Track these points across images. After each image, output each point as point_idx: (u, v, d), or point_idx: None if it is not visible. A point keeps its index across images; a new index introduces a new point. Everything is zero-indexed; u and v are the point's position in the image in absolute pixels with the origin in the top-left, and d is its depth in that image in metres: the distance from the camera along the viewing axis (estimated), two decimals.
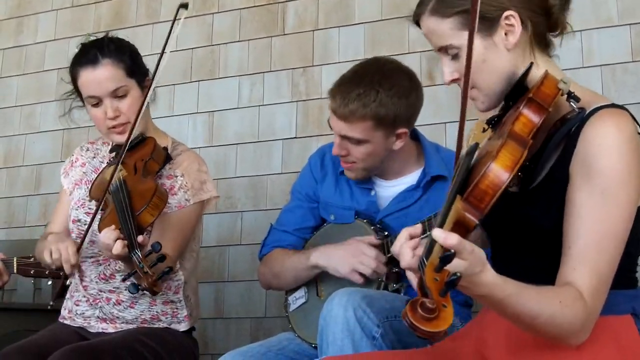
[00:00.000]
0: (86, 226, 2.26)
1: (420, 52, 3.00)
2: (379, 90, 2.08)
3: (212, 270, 3.19)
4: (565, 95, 1.42)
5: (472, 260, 1.22)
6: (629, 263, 1.48)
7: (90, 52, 2.26)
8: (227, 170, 3.31)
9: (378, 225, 2.18)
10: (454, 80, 1.54)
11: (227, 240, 3.27)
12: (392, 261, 2.07)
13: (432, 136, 2.40)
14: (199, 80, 3.44)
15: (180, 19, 2.11)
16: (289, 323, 2.24)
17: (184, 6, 2.12)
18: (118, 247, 1.94)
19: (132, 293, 1.94)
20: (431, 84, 2.99)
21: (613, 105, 1.44)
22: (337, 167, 2.31)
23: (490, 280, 1.26)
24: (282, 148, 3.25)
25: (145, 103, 2.29)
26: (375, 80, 2.09)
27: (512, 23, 1.46)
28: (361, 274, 2.08)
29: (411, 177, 2.24)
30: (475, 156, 1.40)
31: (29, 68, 3.79)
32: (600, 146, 1.37)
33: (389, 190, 2.25)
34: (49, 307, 2.21)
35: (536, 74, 1.48)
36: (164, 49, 2.12)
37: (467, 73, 1.37)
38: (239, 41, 3.42)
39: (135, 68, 2.31)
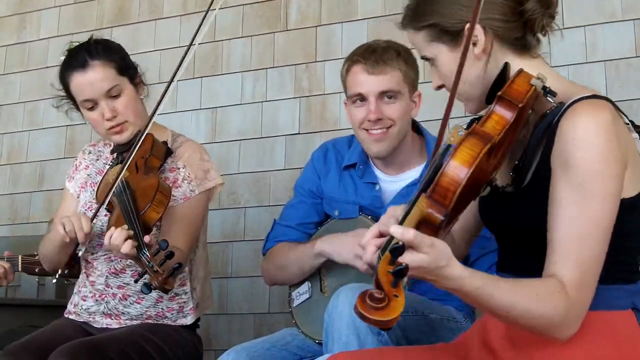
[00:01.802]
0: (95, 228, 2.27)
1: None
2: (399, 49, 2.22)
3: (216, 266, 3.19)
4: (541, 91, 1.44)
5: (433, 254, 1.25)
6: (629, 257, 1.47)
7: (79, 56, 2.26)
8: (230, 166, 3.31)
9: None
10: (439, 87, 1.60)
11: (230, 236, 3.27)
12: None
13: (435, 132, 2.40)
14: (201, 77, 3.44)
15: (214, 9, 2.09)
16: (292, 319, 2.23)
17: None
18: (127, 247, 1.94)
19: (145, 293, 1.93)
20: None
21: (592, 97, 1.44)
22: (341, 162, 2.32)
23: (457, 274, 1.28)
24: (285, 144, 3.25)
25: (142, 102, 2.31)
26: (392, 44, 2.23)
27: (476, 34, 1.49)
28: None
29: (415, 172, 2.25)
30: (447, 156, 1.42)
31: (31, 64, 3.80)
32: (574, 139, 1.38)
33: (393, 185, 2.26)
34: (55, 279, 2.20)
35: (514, 73, 1.49)
36: (192, 41, 2.11)
37: (454, 85, 1.42)
38: (241, 37, 3.42)
39: (125, 65, 2.31)
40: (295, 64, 3.30)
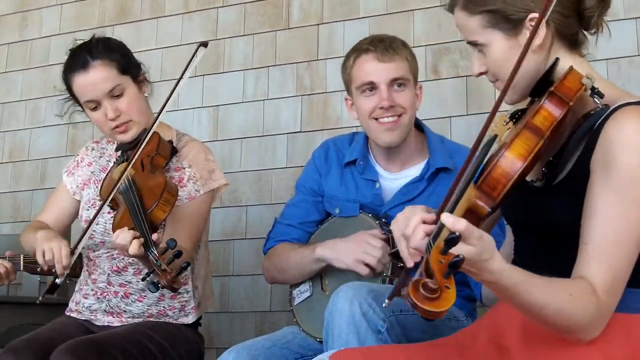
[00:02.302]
0: (97, 225, 2.27)
1: (425, 46, 2.99)
2: (404, 42, 2.26)
3: (217, 264, 3.19)
4: (589, 91, 1.43)
5: (480, 246, 1.23)
6: None
7: (80, 57, 2.26)
8: (232, 164, 3.31)
9: (383, 220, 2.18)
10: (481, 73, 1.57)
11: (232, 235, 3.27)
12: (397, 256, 2.07)
13: (437, 130, 2.40)
14: (203, 75, 3.44)
15: (197, 57, 2.15)
16: (293, 317, 2.24)
17: (204, 45, 2.16)
18: (135, 247, 1.94)
19: (152, 292, 1.93)
20: (436, 78, 2.98)
21: (638, 103, 1.43)
22: (342, 160, 2.32)
23: (498, 268, 1.27)
24: (287, 142, 3.25)
25: (146, 100, 2.31)
26: (394, 37, 2.26)
27: None
28: (367, 265, 2.07)
29: (415, 169, 2.25)
30: (493, 147, 1.41)
31: (33, 62, 3.80)
32: (620, 143, 1.37)
33: (393, 182, 2.25)
34: (37, 302, 2.17)
35: (562, 69, 1.49)
36: (178, 81, 2.16)
37: (510, 78, 1.41)
38: (243, 35, 3.41)
39: (127, 64, 2.30)
40: (297, 62, 3.29)
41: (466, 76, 2.99)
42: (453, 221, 1.20)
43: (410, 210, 1.46)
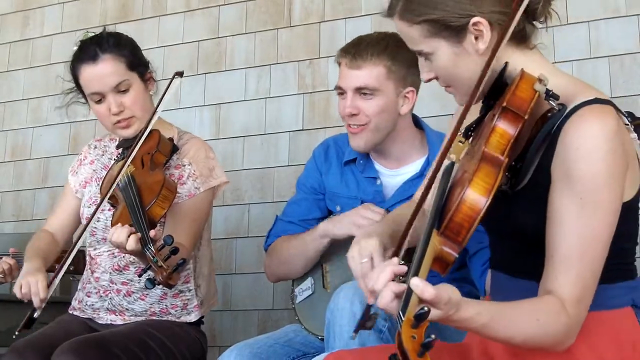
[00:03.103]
0: (98, 222, 2.28)
1: None
2: (390, 43, 2.14)
3: (220, 262, 3.19)
4: (544, 95, 1.38)
5: (446, 309, 1.21)
6: (625, 256, 1.46)
7: (90, 49, 2.26)
8: (234, 162, 3.31)
9: None
10: (431, 79, 1.54)
11: (234, 233, 3.27)
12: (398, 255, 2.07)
13: (438, 129, 2.40)
14: (205, 73, 3.44)
15: (173, 87, 2.18)
16: (295, 315, 2.24)
17: (180, 74, 2.19)
18: (132, 243, 1.94)
19: (148, 288, 1.94)
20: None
21: (596, 101, 1.38)
22: (342, 158, 2.32)
23: (464, 317, 1.25)
24: (289, 140, 3.25)
25: (151, 98, 2.32)
26: (387, 37, 2.17)
27: (481, 29, 1.44)
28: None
29: (414, 166, 2.25)
30: (452, 174, 1.38)
31: (35, 61, 3.80)
32: (579, 150, 1.33)
33: (393, 179, 2.25)
34: (13, 337, 2.15)
35: (514, 68, 1.45)
36: (156, 108, 2.20)
37: (475, 90, 1.37)
38: (245, 33, 3.41)
39: (136, 61, 2.31)
40: (299, 60, 3.29)
41: None
42: (422, 289, 1.17)
43: (376, 256, 1.43)
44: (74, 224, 2.44)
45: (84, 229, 2.19)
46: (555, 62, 2.66)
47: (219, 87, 3.42)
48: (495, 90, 1.45)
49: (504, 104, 1.35)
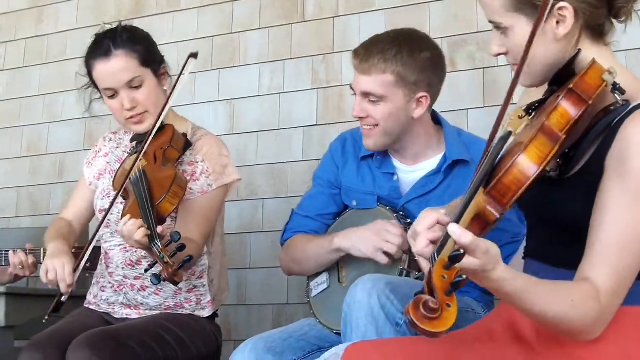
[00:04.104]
0: (111, 215, 2.29)
1: (441, 38, 2.97)
2: (402, 48, 2.09)
3: (234, 257, 3.20)
4: (610, 87, 1.39)
5: (484, 259, 1.22)
6: None
7: (104, 44, 2.26)
8: (247, 158, 3.32)
9: (400, 213, 2.17)
10: (500, 54, 1.53)
11: (248, 228, 3.28)
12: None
13: (454, 123, 2.39)
14: (219, 68, 3.45)
15: (188, 70, 2.17)
16: (310, 309, 2.24)
17: (194, 56, 2.17)
18: (140, 234, 1.95)
19: (154, 284, 1.95)
20: (453, 70, 2.97)
21: None
22: (359, 152, 2.31)
23: (500, 276, 1.26)
24: (303, 135, 3.25)
25: (164, 93, 2.33)
26: (401, 40, 2.12)
27: (565, 14, 1.44)
28: (386, 253, 2.04)
29: (432, 162, 2.23)
30: (507, 144, 1.38)
31: (50, 57, 3.82)
32: (637, 146, 1.34)
33: (411, 175, 2.24)
34: (44, 321, 2.17)
35: (585, 60, 1.45)
36: (170, 94, 2.19)
37: (520, 65, 1.36)
38: (258, 29, 3.42)
39: (150, 57, 2.30)
40: (313, 56, 3.29)
41: (483, 68, 2.97)
42: (459, 234, 1.18)
43: (426, 212, 1.43)
44: (89, 213, 2.45)
45: (100, 225, 2.20)
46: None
47: (233, 82, 3.43)
48: (562, 77, 1.45)
49: (571, 85, 1.36)
